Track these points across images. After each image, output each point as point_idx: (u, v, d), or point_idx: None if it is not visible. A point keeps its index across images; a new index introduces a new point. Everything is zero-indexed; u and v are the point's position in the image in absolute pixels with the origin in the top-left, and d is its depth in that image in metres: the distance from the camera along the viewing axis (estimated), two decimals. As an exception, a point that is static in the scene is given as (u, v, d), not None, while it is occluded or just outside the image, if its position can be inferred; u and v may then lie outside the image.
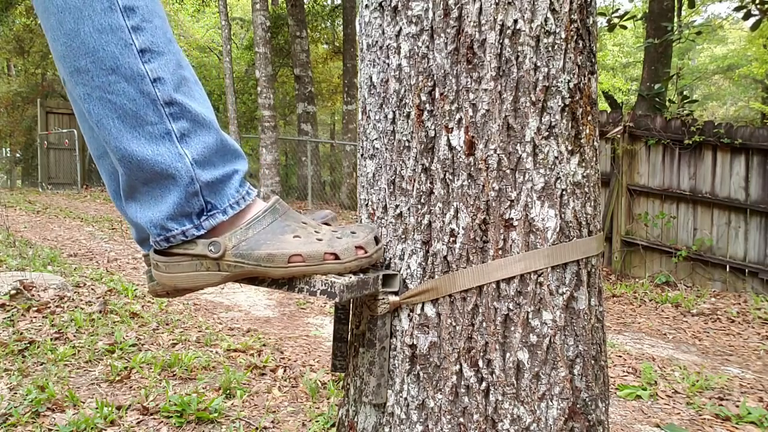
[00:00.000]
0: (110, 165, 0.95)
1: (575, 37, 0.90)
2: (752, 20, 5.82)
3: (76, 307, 2.92)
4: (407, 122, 0.92)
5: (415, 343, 0.91)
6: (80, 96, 0.77)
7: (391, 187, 0.95)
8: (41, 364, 2.19)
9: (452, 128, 0.89)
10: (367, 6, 0.98)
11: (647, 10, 8.09)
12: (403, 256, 0.93)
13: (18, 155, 18.62)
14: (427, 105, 0.90)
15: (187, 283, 0.85)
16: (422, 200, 0.91)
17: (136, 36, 0.76)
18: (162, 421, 1.79)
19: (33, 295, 2.94)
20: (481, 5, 0.86)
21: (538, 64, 0.87)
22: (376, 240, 0.91)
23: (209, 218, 0.84)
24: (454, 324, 0.89)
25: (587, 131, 0.93)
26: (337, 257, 0.85)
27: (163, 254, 0.85)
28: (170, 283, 0.86)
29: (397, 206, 0.94)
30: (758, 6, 5.69)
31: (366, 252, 0.87)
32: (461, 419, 0.88)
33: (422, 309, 0.91)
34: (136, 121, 0.77)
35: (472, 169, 0.88)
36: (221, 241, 0.83)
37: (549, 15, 0.87)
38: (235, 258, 0.83)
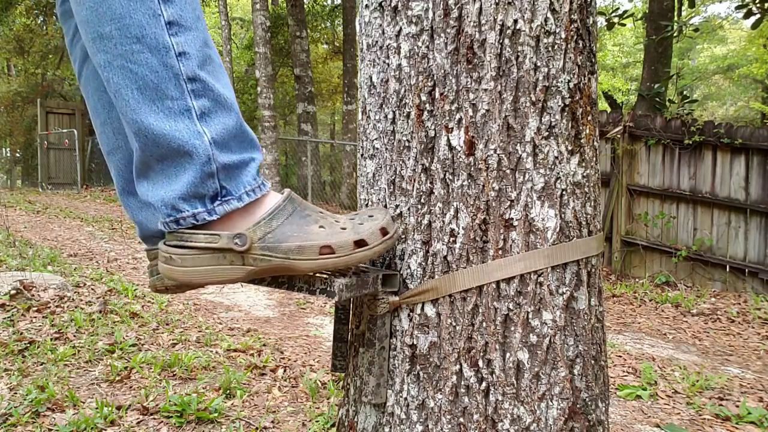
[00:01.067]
0: (120, 161, 0.93)
1: (575, 37, 0.90)
2: (753, 19, 5.83)
3: (76, 307, 2.92)
4: (407, 122, 0.92)
5: (415, 343, 0.91)
6: (100, 63, 0.75)
7: (391, 187, 0.95)
8: (41, 364, 2.19)
9: (452, 128, 0.89)
10: (367, 6, 0.98)
11: (647, 10, 8.09)
12: (403, 256, 0.93)
13: (18, 155, 18.64)
14: (427, 105, 0.90)
15: (205, 278, 0.80)
16: (422, 200, 0.91)
17: (165, 7, 0.74)
18: (162, 421, 1.79)
19: (33, 295, 2.94)
20: (481, 5, 0.86)
21: (538, 64, 0.87)
22: (393, 219, 0.91)
23: (223, 203, 0.80)
24: (454, 324, 0.89)
25: (587, 131, 0.93)
26: (365, 244, 0.83)
27: (181, 246, 0.79)
28: (184, 278, 0.80)
29: (397, 206, 0.94)
30: (758, 5, 5.70)
31: (388, 233, 0.86)
32: (461, 419, 0.88)
33: (422, 309, 0.91)
34: (156, 95, 0.75)
35: (472, 169, 0.88)
36: (247, 233, 0.79)
37: (549, 15, 0.87)
38: (262, 251, 0.80)
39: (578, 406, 0.90)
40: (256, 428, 1.79)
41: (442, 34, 0.89)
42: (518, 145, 0.87)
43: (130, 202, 0.96)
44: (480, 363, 0.88)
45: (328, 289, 0.85)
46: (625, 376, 2.82)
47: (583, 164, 0.92)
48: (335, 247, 0.81)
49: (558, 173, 0.89)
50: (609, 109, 7.45)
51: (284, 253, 0.80)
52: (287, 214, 0.83)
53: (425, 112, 0.91)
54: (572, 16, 0.89)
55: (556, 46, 0.88)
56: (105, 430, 1.70)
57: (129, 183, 0.95)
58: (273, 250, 0.80)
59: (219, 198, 0.80)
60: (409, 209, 0.93)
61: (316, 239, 0.81)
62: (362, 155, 1.01)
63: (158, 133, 0.75)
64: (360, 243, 0.83)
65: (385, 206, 0.96)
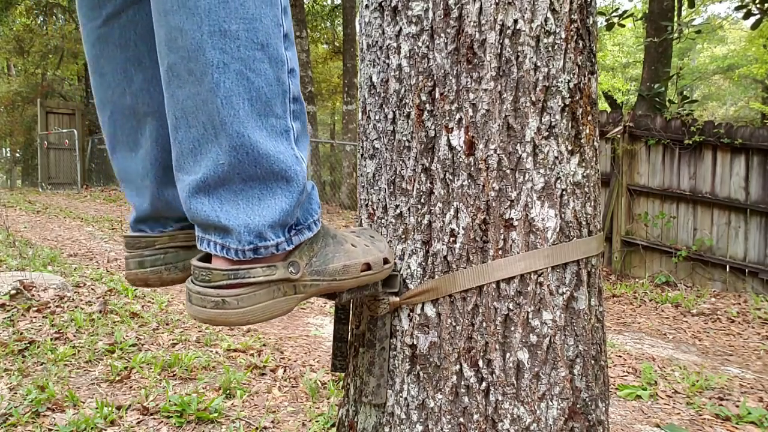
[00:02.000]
0: (161, 127, 0.84)
1: (575, 37, 0.90)
2: (752, 19, 5.83)
3: (76, 307, 2.92)
4: (407, 122, 0.92)
5: (415, 343, 0.91)
6: (213, 62, 0.65)
7: (391, 187, 0.95)
8: (41, 364, 2.19)
9: (452, 128, 0.89)
10: (367, 6, 0.98)
11: (647, 11, 8.09)
12: (403, 256, 0.93)
13: (18, 155, 18.65)
14: (427, 105, 0.90)
15: (262, 316, 0.72)
16: (422, 200, 0.91)
17: (284, 18, 0.68)
18: (162, 421, 1.79)
19: (33, 295, 2.94)
20: (481, 5, 0.86)
21: (538, 64, 0.87)
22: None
23: (298, 233, 0.74)
24: (454, 324, 0.89)
25: (587, 131, 0.93)
26: (388, 261, 0.88)
27: (235, 286, 0.70)
28: (241, 321, 0.71)
29: (397, 206, 0.94)
30: (758, 5, 5.70)
31: (390, 248, 0.92)
32: (461, 419, 0.88)
33: (422, 309, 0.91)
34: (264, 110, 0.67)
35: (472, 169, 0.88)
36: (297, 260, 0.75)
37: (549, 15, 0.87)
38: (312, 276, 0.77)
39: (578, 406, 0.90)
40: (256, 428, 1.79)
41: (442, 34, 0.89)
42: (518, 145, 0.87)
43: (160, 174, 0.86)
44: (480, 363, 0.88)
45: (328, 289, 0.85)
46: (625, 376, 2.82)
47: (583, 164, 0.92)
48: (372, 264, 0.84)
49: (558, 173, 0.89)
50: (609, 109, 7.45)
51: (331, 275, 0.79)
52: (321, 234, 0.80)
53: (425, 112, 0.91)
54: (572, 16, 0.89)
55: (556, 46, 0.88)
56: (105, 430, 1.70)
57: (168, 154, 0.84)
58: (321, 273, 0.78)
59: (294, 228, 0.74)
60: (409, 209, 0.93)
61: (357, 258, 0.82)
62: (362, 155, 1.01)
63: (263, 152, 0.67)
64: (385, 260, 0.88)
65: (385, 206, 0.96)
